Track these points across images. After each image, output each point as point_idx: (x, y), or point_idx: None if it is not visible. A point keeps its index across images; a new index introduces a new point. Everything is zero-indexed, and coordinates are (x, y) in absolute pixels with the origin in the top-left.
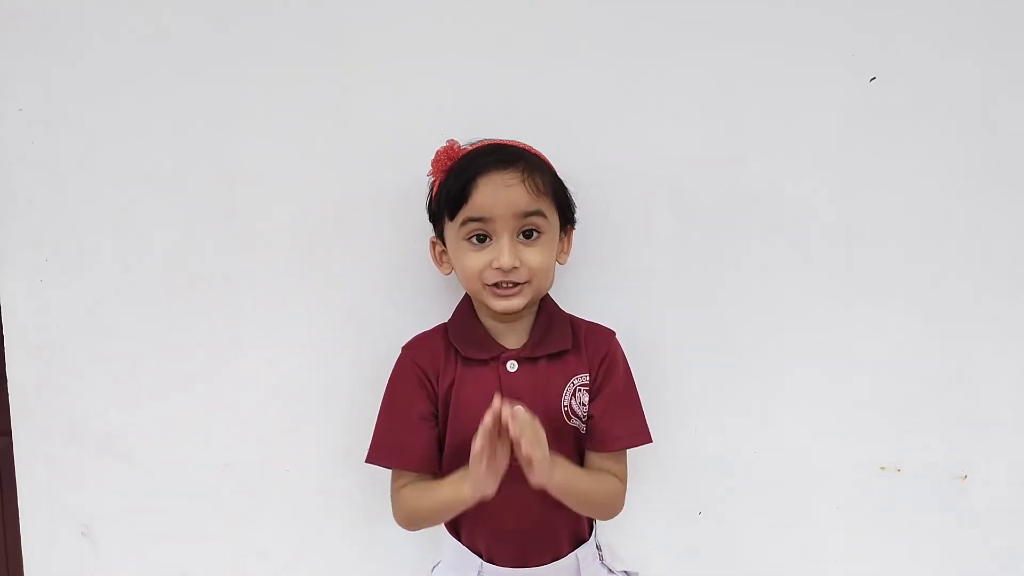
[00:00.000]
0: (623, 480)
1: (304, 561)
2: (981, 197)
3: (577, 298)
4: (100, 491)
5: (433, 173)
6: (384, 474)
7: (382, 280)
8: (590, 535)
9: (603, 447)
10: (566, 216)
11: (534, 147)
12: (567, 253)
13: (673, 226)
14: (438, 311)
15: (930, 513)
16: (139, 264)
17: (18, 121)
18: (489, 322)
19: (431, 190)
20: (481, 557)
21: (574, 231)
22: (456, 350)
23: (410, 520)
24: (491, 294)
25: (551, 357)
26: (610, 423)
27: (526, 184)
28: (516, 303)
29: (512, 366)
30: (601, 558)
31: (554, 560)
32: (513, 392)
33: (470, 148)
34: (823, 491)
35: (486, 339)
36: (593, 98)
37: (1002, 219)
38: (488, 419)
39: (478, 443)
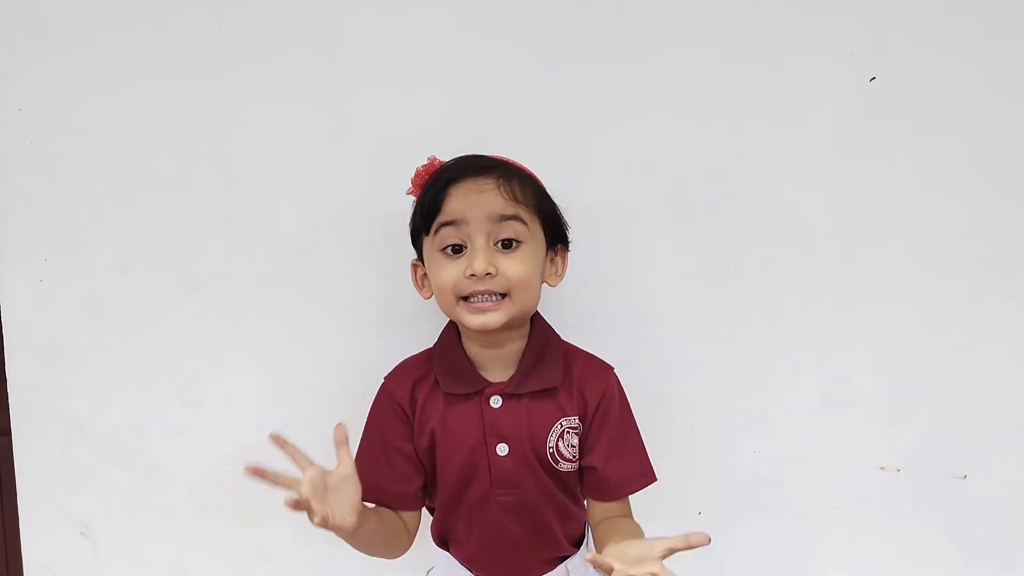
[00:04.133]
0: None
1: (304, 562)
2: (981, 197)
3: (578, 299)
4: (100, 491)
5: (413, 191)
6: None
7: (382, 280)
8: (580, 546)
9: (611, 496)
10: (556, 233)
11: (523, 164)
12: (560, 276)
13: (673, 227)
14: (437, 312)
15: (930, 513)
16: (139, 264)
17: (18, 121)
18: (474, 349)
19: (413, 210)
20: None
21: (568, 253)
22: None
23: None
24: (465, 309)
25: (539, 394)
26: (614, 471)
27: (501, 189)
28: (493, 319)
29: (496, 402)
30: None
31: (542, 574)
32: (496, 430)
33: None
34: (823, 491)
35: (469, 371)
36: (592, 100)
37: (1002, 219)
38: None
39: (289, 501)
